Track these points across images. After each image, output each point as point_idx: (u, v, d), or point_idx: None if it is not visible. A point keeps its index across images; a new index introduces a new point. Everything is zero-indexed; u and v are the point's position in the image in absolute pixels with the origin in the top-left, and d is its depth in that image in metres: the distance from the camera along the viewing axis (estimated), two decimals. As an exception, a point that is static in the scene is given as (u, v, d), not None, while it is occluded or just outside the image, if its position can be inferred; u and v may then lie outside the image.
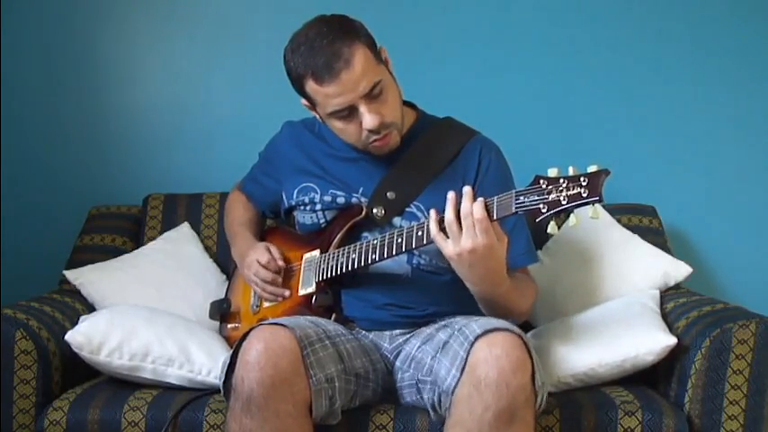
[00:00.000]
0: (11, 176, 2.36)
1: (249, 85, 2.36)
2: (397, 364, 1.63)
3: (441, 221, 1.42)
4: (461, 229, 1.39)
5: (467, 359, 1.39)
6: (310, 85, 1.55)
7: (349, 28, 1.55)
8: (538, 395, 1.40)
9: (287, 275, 1.75)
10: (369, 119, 1.54)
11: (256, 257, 1.74)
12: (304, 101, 1.63)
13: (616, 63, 2.32)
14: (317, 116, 1.65)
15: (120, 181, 2.36)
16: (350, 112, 1.55)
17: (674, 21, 2.31)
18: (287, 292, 1.72)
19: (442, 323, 1.59)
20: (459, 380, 1.39)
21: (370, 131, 1.56)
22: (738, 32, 2.31)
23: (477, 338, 1.40)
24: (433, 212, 1.44)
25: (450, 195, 1.41)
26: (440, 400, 1.46)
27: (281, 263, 1.74)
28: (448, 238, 1.41)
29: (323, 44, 1.51)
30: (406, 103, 1.71)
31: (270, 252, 1.75)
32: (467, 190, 1.40)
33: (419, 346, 1.58)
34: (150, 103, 2.38)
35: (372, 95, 1.54)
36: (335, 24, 1.54)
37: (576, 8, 2.31)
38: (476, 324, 1.45)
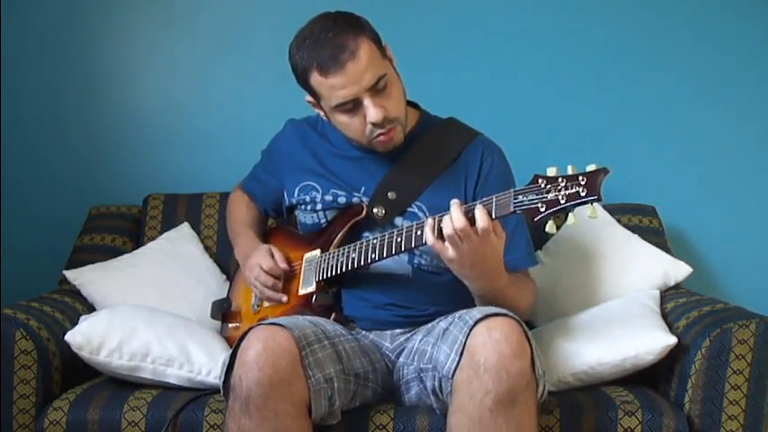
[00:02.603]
0: (11, 176, 2.36)
1: (249, 84, 2.36)
2: (401, 360, 1.63)
3: (437, 227, 1.42)
4: (461, 239, 1.39)
5: (465, 343, 1.39)
6: (315, 78, 1.55)
7: (354, 22, 1.56)
8: (539, 383, 1.40)
9: (288, 275, 1.75)
10: (373, 112, 1.54)
11: (258, 261, 1.74)
12: (308, 97, 1.64)
13: (616, 63, 2.32)
14: (322, 112, 1.65)
15: (120, 181, 2.36)
16: (354, 106, 1.56)
17: (674, 21, 2.31)
18: (284, 298, 1.72)
19: (444, 317, 1.59)
20: (458, 363, 1.39)
21: (374, 125, 1.56)
22: (739, 32, 2.31)
23: (476, 323, 1.40)
24: (429, 219, 1.44)
25: (455, 201, 1.40)
26: (440, 386, 1.46)
27: (283, 266, 1.74)
28: (445, 241, 1.41)
29: (328, 37, 1.52)
30: (410, 103, 1.71)
31: (272, 257, 1.74)
32: (454, 202, 1.40)
33: (422, 339, 1.58)
34: (150, 103, 2.38)
35: (377, 89, 1.54)
36: (341, 19, 1.56)
37: (576, 9, 2.31)
38: (476, 311, 1.46)
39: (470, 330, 1.40)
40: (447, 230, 1.39)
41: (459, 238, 1.39)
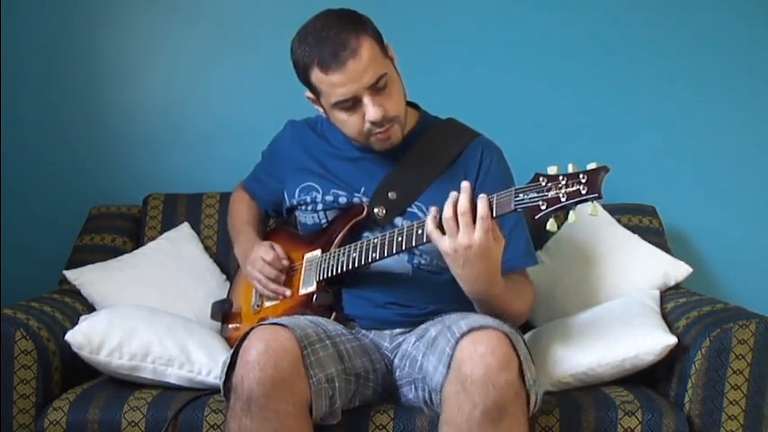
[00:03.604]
0: (11, 176, 2.36)
1: (249, 85, 2.36)
2: (396, 362, 1.63)
3: (439, 218, 1.42)
4: (458, 226, 1.39)
5: (452, 356, 1.39)
6: (316, 74, 1.55)
7: (357, 20, 1.56)
8: (530, 393, 1.40)
9: (288, 275, 1.75)
10: (372, 111, 1.54)
11: (260, 254, 1.74)
12: (308, 93, 1.64)
13: (616, 63, 2.32)
14: (321, 109, 1.65)
15: (120, 181, 2.36)
16: (353, 104, 1.56)
17: (674, 21, 2.31)
18: (288, 292, 1.72)
19: (438, 318, 1.59)
20: (445, 377, 1.40)
21: (373, 124, 1.57)
22: (738, 33, 2.31)
23: (462, 336, 1.40)
24: (433, 209, 1.44)
25: (466, 185, 1.41)
26: (431, 397, 1.47)
27: (285, 262, 1.74)
28: (444, 234, 1.41)
29: (330, 34, 1.52)
30: (409, 104, 1.71)
31: (274, 250, 1.75)
32: (465, 185, 1.40)
33: (414, 343, 1.59)
34: (150, 103, 2.38)
35: (377, 88, 1.55)
36: (343, 16, 1.56)
37: (576, 9, 2.31)
38: (463, 321, 1.45)
39: (457, 343, 1.40)
40: (446, 214, 1.39)
41: (455, 221, 1.39)
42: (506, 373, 1.35)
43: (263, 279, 1.74)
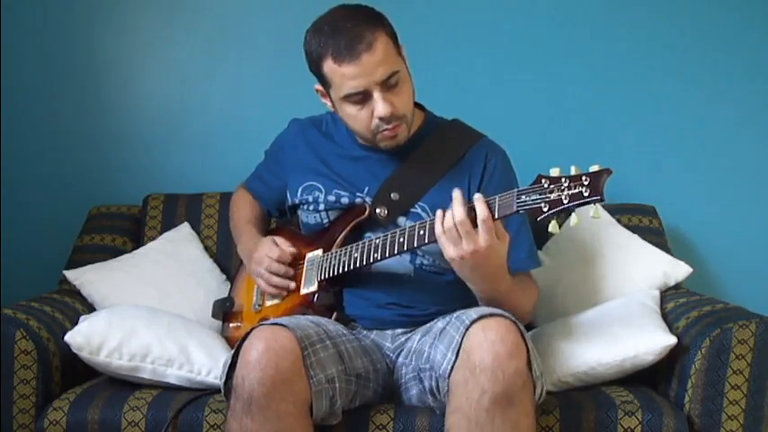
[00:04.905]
0: (11, 176, 2.36)
1: (249, 85, 2.36)
2: (400, 360, 1.63)
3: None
4: (460, 235, 1.40)
5: (461, 343, 1.40)
6: (329, 65, 1.55)
7: (374, 16, 1.57)
8: (536, 384, 1.41)
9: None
10: (381, 106, 1.54)
11: (266, 252, 1.74)
12: (318, 85, 1.64)
13: (617, 64, 2.32)
14: (329, 102, 1.65)
15: (120, 181, 2.36)
16: (364, 98, 1.56)
17: (675, 21, 2.31)
18: (292, 284, 1.72)
19: (442, 316, 1.59)
20: (454, 363, 1.40)
21: (381, 120, 1.56)
22: (739, 33, 2.31)
23: (472, 323, 1.40)
24: (439, 213, 1.44)
25: (457, 195, 1.41)
26: (437, 386, 1.47)
27: (290, 249, 1.73)
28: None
29: (347, 26, 1.53)
30: (415, 104, 1.70)
31: (278, 245, 1.74)
32: (456, 195, 1.41)
33: (420, 339, 1.59)
34: (150, 103, 2.38)
35: (389, 84, 1.55)
36: (361, 11, 1.57)
37: (577, 10, 2.31)
38: (473, 311, 1.46)
39: (466, 330, 1.40)
40: (447, 224, 1.40)
41: (458, 233, 1.39)
42: (515, 362, 1.36)
43: (267, 275, 1.73)
